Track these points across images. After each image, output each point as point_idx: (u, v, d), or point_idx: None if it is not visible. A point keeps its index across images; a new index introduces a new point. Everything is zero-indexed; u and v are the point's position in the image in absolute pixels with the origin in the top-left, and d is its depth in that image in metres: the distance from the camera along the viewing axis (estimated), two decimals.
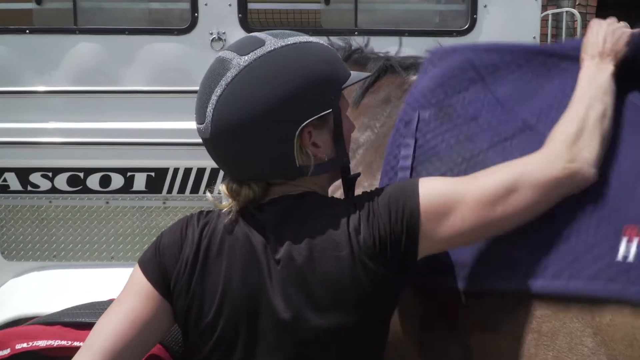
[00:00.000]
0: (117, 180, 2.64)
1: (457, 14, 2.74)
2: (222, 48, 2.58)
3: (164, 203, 2.67)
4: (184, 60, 2.60)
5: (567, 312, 1.00)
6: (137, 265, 1.03)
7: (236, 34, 2.57)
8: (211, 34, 2.58)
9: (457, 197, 0.98)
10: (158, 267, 1.01)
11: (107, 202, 2.67)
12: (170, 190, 2.66)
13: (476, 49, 1.43)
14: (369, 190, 1.06)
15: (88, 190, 2.63)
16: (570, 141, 1.03)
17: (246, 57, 0.98)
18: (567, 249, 1.03)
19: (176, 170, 2.64)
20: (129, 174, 2.64)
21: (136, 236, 2.69)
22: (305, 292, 0.94)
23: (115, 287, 1.09)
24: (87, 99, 2.60)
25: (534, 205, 1.01)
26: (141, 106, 2.60)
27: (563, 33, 3.79)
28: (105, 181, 2.64)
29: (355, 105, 1.71)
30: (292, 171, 1.01)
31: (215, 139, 1.01)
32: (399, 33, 2.54)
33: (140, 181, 2.64)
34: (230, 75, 0.97)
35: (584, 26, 4.06)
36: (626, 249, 0.97)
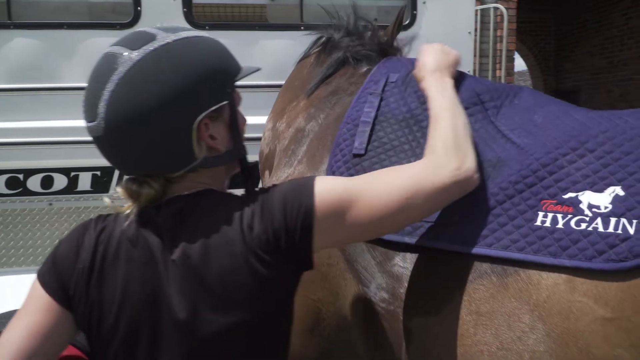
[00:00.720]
0: (60, 181, 2.55)
1: (393, 10, 2.83)
2: None
3: (113, 202, 2.61)
4: None
5: (505, 292, 1.07)
6: (35, 278, 1.01)
7: None
8: None
9: (353, 198, 1.01)
10: (55, 277, 0.99)
11: (51, 204, 2.57)
12: None
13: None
14: (266, 187, 1.07)
15: (29, 192, 2.52)
16: (452, 151, 1.09)
17: (137, 52, 0.96)
18: (493, 219, 1.13)
19: None
20: (72, 173, 2.56)
21: None
22: (203, 290, 0.95)
23: None
24: (25, 97, 2.48)
25: (425, 212, 1.09)
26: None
27: (491, 27, 4.02)
28: (47, 182, 2.54)
29: (308, 95, 1.75)
30: (191, 163, 1.01)
31: (110, 136, 0.98)
32: None
33: (85, 181, 2.56)
34: (122, 70, 0.95)
35: (510, 21, 4.30)
36: (543, 217, 1.08)
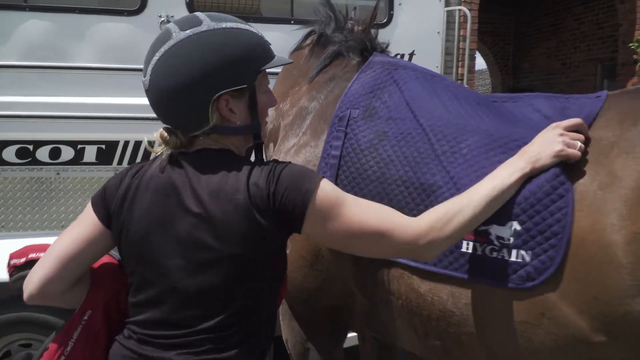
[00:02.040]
0: (68, 152, 2.78)
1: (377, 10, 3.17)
2: None
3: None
4: (134, 40, 2.79)
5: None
6: (90, 201, 1.34)
7: None
8: (160, 16, 2.79)
9: (340, 210, 1.21)
10: (101, 201, 1.30)
11: (58, 174, 2.80)
12: (120, 162, 2.85)
13: (398, 65, 1.90)
14: (279, 160, 1.33)
15: (38, 162, 2.74)
16: (437, 228, 1.25)
17: (183, 33, 1.22)
18: None
19: (127, 142, 2.83)
20: (79, 146, 2.79)
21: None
22: (207, 222, 1.19)
23: None
24: (37, 74, 2.69)
25: (380, 254, 1.39)
26: (92, 82, 2.76)
27: (456, 28, 4.40)
28: (55, 153, 2.76)
29: (310, 81, 2.07)
30: (206, 127, 1.26)
31: (151, 92, 1.26)
32: None
33: (90, 153, 2.80)
34: (169, 44, 1.21)
35: (472, 22, 4.69)
36: (467, 244, 1.45)
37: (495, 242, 1.40)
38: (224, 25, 1.26)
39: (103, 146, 2.81)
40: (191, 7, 2.83)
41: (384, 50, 2.12)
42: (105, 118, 2.78)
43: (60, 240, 1.30)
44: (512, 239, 1.37)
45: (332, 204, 1.21)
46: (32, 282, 1.28)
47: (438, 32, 3.19)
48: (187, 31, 1.22)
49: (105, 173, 2.85)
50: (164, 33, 1.26)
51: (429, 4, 3.16)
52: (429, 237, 1.24)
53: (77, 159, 2.80)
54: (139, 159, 2.85)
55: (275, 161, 1.27)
